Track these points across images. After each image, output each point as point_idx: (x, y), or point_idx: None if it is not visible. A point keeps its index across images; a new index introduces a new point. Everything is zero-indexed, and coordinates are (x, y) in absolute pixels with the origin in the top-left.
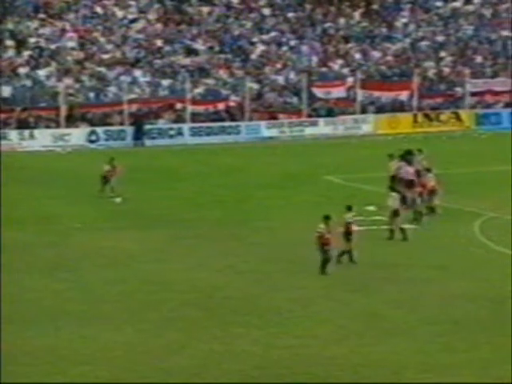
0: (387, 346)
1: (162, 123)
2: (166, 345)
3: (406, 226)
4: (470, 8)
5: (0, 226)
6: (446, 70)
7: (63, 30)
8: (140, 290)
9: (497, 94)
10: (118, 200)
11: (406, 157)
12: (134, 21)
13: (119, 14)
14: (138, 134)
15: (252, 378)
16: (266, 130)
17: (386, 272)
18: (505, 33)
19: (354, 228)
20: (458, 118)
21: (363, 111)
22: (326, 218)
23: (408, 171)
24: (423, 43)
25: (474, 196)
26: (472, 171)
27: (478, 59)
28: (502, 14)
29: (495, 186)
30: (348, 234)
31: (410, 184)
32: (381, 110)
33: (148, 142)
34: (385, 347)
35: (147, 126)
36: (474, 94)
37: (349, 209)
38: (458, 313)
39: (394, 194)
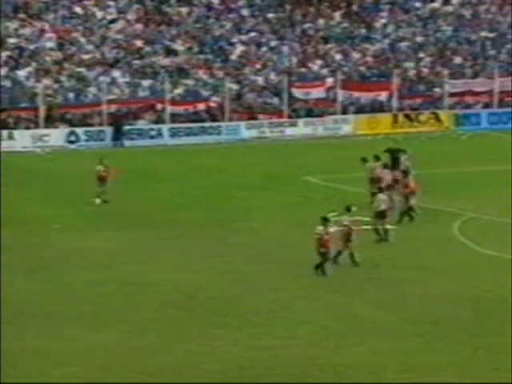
0: (368, 346)
1: (141, 124)
2: (146, 346)
3: (390, 227)
4: (449, 9)
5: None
6: (426, 70)
7: (42, 31)
8: (121, 291)
9: (476, 94)
10: (98, 201)
11: (394, 155)
12: (113, 21)
13: (98, 14)
14: (118, 135)
15: (232, 379)
16: (245, 130)
17: (366, 273)
18: (484, 33)
19: (353, 230)
20: (437, 118)
21: (343, 112)
22: (325, 220)
23: (386, 174)
24: (402, 44)
25: (454, 196)
26: (451, 172)
27: (458, 60)
28: (481, 14)
29: (474, 186)
30: (348, 236)
31: (388, 187)
32: (360, 110)
33: (127, 143)
34: (365, 348)
35: (126, 127)
36: (453, 95)
37: (348, 210)
38: (438, 313)
39: (381, 195)
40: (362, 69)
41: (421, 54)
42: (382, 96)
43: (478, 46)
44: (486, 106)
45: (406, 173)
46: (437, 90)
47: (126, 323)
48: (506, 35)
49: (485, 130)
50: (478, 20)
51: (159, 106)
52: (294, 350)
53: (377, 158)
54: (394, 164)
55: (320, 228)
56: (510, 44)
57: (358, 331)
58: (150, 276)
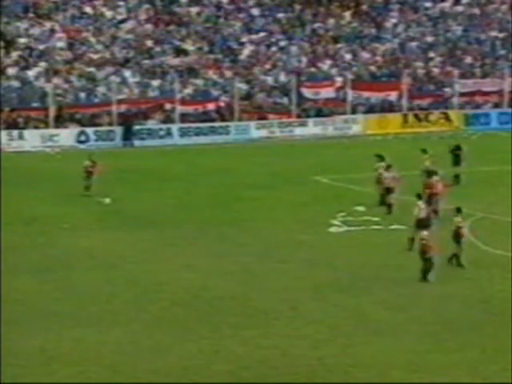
0: (377, 346)
1: (151, 124)
2: (154, 345)
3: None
4: (459, 8)
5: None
6: (435, 70)
7: (52, 31)
8: (129, 291)
9: (486, 94)
10: (107, 200)
11: (455, 151)
12: (123, 21)
13: (108, 14)
14: (127, 135)
15: (240, 379)
16: (255, 130)
17: (375, 272)
18: (494, 33)
19: (465, 231)
20: (447, 118)
21: (353, 111)
22: (428, 225)
23: (387, 177)
24: (412, 44)
25: (463, 196)
26: (461, 171)
27: (467, 60)
28: (490, 14)
29: (484, 186)
30: (458, 237)
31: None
32: (370, 110)
33: (137, 143)
34: (374, 347)
35: (136, 127)
36: (463, 95)
37: (458, 211)
38: (448, 313)
39: (420, 202)
40: (372, 68)
41: (431, 54)
42: (392, 96)
43: (488, 46)
44: (496, 105)
45: (429, 174)
46: (447, 89)
47: (133, 323)
48: None
49: (495, 130)
50: (488, 20)
51: (168, 106)
52: (303, 350)
53: (381, 158)
54: (456, 160)
55: (425, 233)
56: None
57: (366, 331)
58: (158, 276)
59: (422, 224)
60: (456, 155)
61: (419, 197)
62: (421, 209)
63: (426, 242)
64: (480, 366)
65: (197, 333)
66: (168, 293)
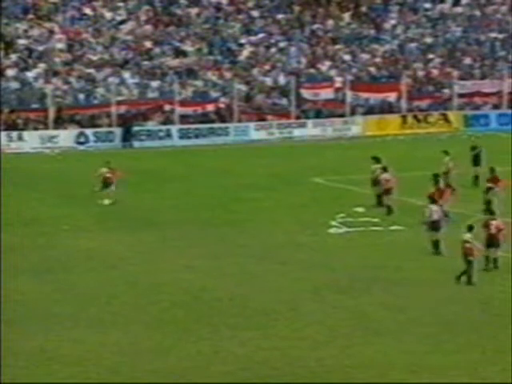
0: (376, 347)
1: (150, 125)
2: (154, 346)
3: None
4: (459, 10)
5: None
6: (435, 71)
7: (51, 32)
8: (128, 292)
9: (485, 95)
10: (107, 202)
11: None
12: (122, 22)
13: (108, 15)
14: (127, 136)
15: (240, 379)
16: (254, 131)
17: (374, 273)
18: (493, 34)
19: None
20: (446, 119)
21: (352, 113)
22: (471, 228)
23: (385, 178)
24: (412, 45)
25: (464, 197)
26: (461, 173)
27: (467, 61)
28: (490, 15)
29: (483, 187)
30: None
31: (387, 191)
32: (369, 111)
33: (136, 144)
34: (374, 348)
35: (136, 128)
36: (462, 96)
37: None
38: (447, 314)
39: (432, 205)
40: (371, 70)
41: (430, 55)
42: (391, 97)
43: (488, 47)
44: (496, 107)
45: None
46: (446, 90)
47: (133, 324)
48: None
49: (494, 131)
50: (488, 21)
51: (168, 107)
52: (302, 351)
53: (377, 161)
54: (475, 160)
55: (468, 235)
56: None
57: (365, 332)
58: (158, 277)
59: (435, 226)
60: (475, 156)
61: (431, 199)
62: (433, 211)
63: (470, 245)
64: (479, 367)
65: (196, 334)
66: (168, 294)
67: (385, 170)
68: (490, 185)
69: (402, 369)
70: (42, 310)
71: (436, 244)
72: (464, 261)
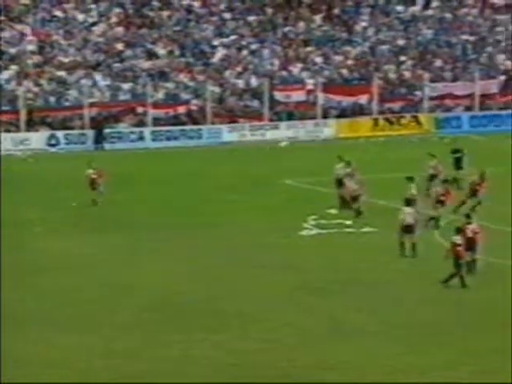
0: (350, 348)
1: (122, 127)
2: (126, 349)
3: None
4: (430, 12)
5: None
6: (406, 73)
7: (23, 34)
8: (101, 295)
9: (457, 97)
10: (74, 204)
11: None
12: (94, 24)
13: (80, 17)
14: (99, 138)
15: (212, 382)
16: (227, 133)
17: (347, 275)
18: (464, 37)
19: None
20: (417, 121)
21: (325, 115)
22: (459, 231)
23: (351, 187)
24: (383, 47)
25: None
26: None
27: (438, 63)
28: (461, 17)
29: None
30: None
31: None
32: (342, 113)
33: (108, 146)
34: (348, 350)
35: (108, 130)
36: (434, 98)
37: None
38: (420, 316)
39: (407, 208)
40: (343, 72)
41: (402, 57)
42: (363, 99)
43: (459, 50)
44: (467, 109)
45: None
46: (417, 93)
47: (105, 327)
48: (487, 38)
49: (466, 134)
50: (459, 23)
51: (140, 110)
52: (276, 353)
53: (341, 160)
54: (457, 164)
55: (458, 237)
56: (491, 47)
57: (339, 334)
58: (131, 280)
59: (408, 230)
60: (457, 159)
61: (407, 202)
62: (406, 214)
63: (460, 248)
64: (454, 368)
65: (169, 337)
66: (140, 296)
67: (351, 175)
68: (477, 187)
69: (375, 370)
70: (14, 313)
71: (403, 245)
72: (454, 264)
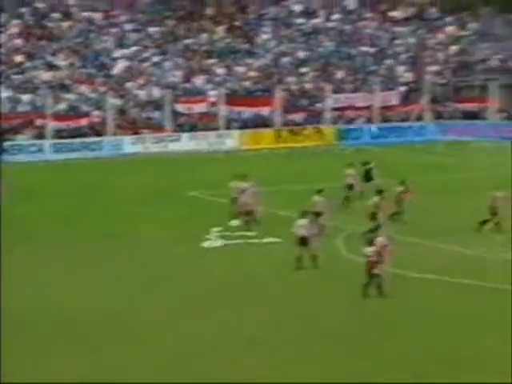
0: (253, 360)
1: (21, 139)
2: (10, 366)
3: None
4: (331, 24)
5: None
6: (308, 85)
7: None
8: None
9: (358, 109)
10: None
11: (365, 168)
12: None
13: None
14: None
15: None
16: (129, 145)
17: (250, 286)
18: (364, 48)
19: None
20: (320, 133)
21: (228, 126)
22: (371, 242)
23: (244, 201)
24: (285, 59)
25: (337, 210)
26: (334, 186)
27: (339, 75)
28: (361, 30)
29: (356, 199)
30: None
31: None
32: (245, 125)
33: (8, 159)
34: (251, 361)
35: (7, 143)
36: (335, 110)
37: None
38: (322, 325)
39: (300, 220)
40: (246, 83)
41: (303, 69)
42: (265, 111)
43: (359, 61)
44: (368, 120)
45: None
46: (319, 104)
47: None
48: (386, 50)
49: (367, 145)
50: (359, 35)
51: (40, 122)
52: (178, 366)
53: (237, 177)
54: (367, 176)
55: (370, 250)
56: (390, 59)
57: (242, 345)
58: (26, 294)
59: (303, 242)
60: (366, 171)
61: (303, 214)
62: (299, 226)
63: (372, 259)
64: (365, 378)
65: (63, 359)
66: (33, 311)
67: (243, 191)
68: (401, 197)
69: (280, 382)
70: None
71: (300, 258)
72: (367, 275)
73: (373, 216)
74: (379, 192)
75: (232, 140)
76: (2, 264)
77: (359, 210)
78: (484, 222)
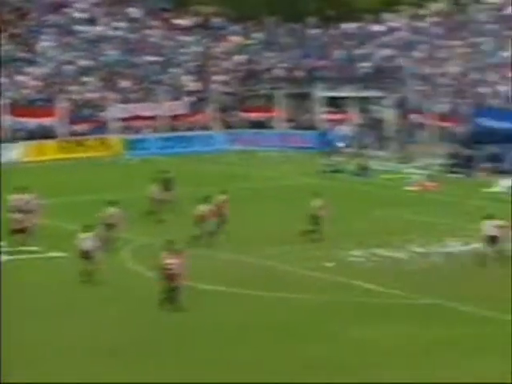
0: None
1: None
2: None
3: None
4: (115, 33)
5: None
6: (92, 94)
7: None
8: None
9: (144, 119)
10: None
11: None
12: None
13: None
14: None
15: None
16: None
17: (36, 303)
18: (150, 57)
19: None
20: (105, 143)
21: (14, 138)
22: (175, 252)
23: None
24: (68, 67)
25: (130, 223)
26: (124, 197)
27: (124, 84)
28: (146, 38)
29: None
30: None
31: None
32: (30, 136)
33: None
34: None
35: None
36: (123, 120)
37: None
38: (104, 339)
39: (83, 234)
40: (28, 93)
41: (87, 78)
42: (48, 121)
43: (144, 70)
44: (156, 130)
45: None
46: (105, 114)
47: None
48: (172, 59)
49: (154, 155)
50: (143, 44)
51: None
52: None
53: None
54: (166, 185)
55: (171, 261)
56: (176, 68)
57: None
58: None
59: (87, 256)
60: (166, 180)
61: (86, 227)
62: (82, 240)
63: (173, 271)
64: None
65: None
66: None
67: (27, 202)
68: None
69: None
70: None
71: (88, 273)
72: (167, 286)
73: (198, 224)
74: (206, 199)
75: (15, 152)
76: None
77: (158, 221)
78: (307, 232)
